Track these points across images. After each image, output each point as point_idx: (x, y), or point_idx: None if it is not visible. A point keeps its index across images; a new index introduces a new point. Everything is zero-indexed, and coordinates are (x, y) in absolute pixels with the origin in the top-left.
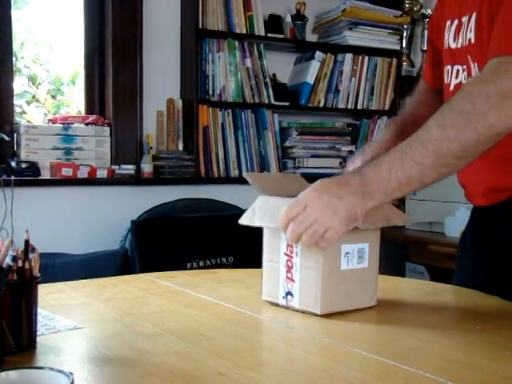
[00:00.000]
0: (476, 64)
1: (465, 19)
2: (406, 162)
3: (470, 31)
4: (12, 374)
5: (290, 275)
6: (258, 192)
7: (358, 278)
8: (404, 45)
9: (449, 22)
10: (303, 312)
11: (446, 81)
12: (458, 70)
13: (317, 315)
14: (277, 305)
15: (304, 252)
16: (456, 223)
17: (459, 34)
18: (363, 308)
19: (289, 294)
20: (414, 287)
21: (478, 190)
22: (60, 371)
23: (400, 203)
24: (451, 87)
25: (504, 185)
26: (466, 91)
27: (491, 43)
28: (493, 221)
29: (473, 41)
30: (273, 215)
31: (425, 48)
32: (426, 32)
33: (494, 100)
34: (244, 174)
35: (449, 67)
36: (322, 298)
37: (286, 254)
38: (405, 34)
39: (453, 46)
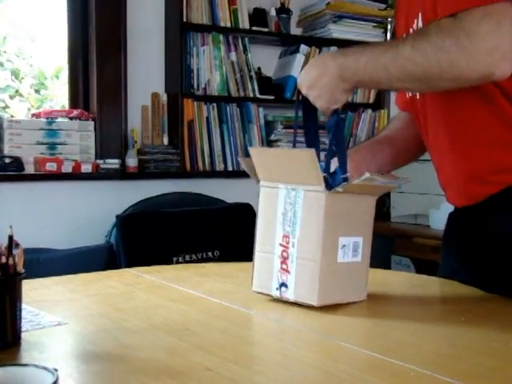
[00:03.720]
0: None
1: (414, 25)
2: (379, 65)
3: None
4: None
5: (284, 266)
6: (253, 182)
7: (352, 271)
8: (388, 38)
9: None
10: (297, 303)
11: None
12: None
13: (312, 307)
14: (269, 296)
15: (301, 243)
16: (441, 216)
17: None
18: (353, 301)
19: (283, 285)
20: (401, 280)
21: (458, 191)
22: (44, 368)
23: (385, 196)
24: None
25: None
26: (441, 25)
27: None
28: (475, 221)
29: None
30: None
31: None
32: None
33: (462, 42)
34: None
35: None
36: (320, 290)
37: (281, 245)
38: (389, 27)
39: None
